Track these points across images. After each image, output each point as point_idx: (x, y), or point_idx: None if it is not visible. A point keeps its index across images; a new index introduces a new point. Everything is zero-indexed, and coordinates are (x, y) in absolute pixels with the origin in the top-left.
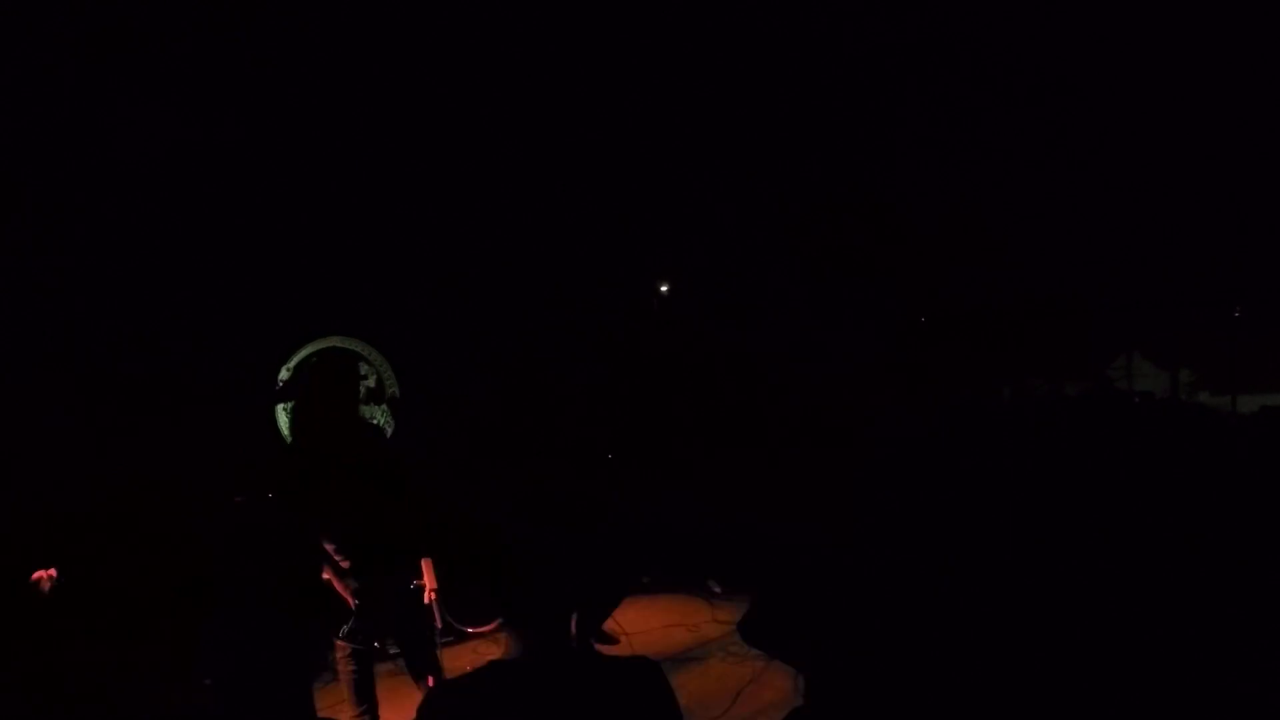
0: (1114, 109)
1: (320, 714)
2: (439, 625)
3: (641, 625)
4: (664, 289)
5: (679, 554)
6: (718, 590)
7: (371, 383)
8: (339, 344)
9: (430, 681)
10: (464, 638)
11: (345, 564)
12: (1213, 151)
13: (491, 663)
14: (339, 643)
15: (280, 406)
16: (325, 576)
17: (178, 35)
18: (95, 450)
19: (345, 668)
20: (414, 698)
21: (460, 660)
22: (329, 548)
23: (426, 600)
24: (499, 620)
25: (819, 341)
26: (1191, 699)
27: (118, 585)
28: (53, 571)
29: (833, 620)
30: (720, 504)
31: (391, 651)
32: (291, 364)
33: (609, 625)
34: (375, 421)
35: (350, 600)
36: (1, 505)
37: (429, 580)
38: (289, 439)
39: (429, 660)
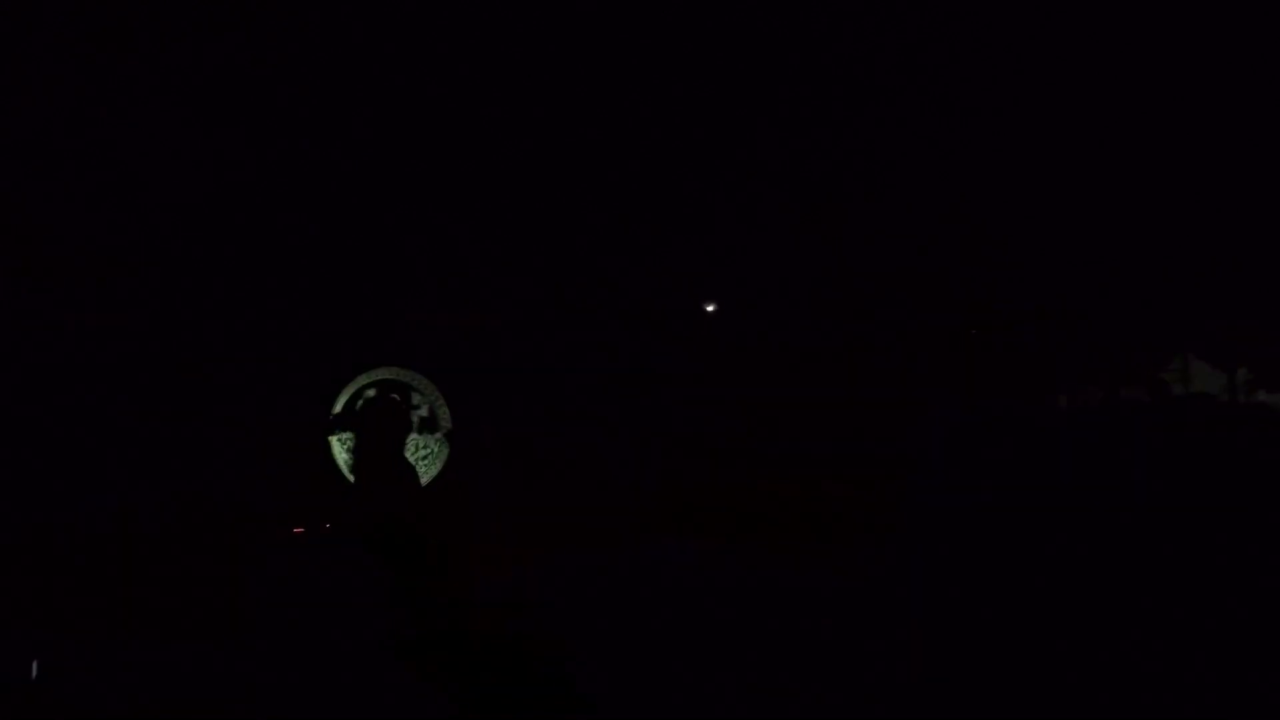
0: (1166, 107)
1: None
2: None
3: None
4: (710, 308)
5: None
6: None
7: (424, 412)
8: (391, 375)
9: None
10: None
11: None
12: (1267, 149)
13: None
14: None
15: (335, 437)
16: None
17: (216, 81)
18: (158, 475)
19: None
20: None
21: None
22: None
23: None
24: None
25: (865, 345)
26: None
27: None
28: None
29: None
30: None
31: None
32: (346, 394)
33: None
34: (428, 450)
35: None
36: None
37: None
38: (345, 469)
39: None
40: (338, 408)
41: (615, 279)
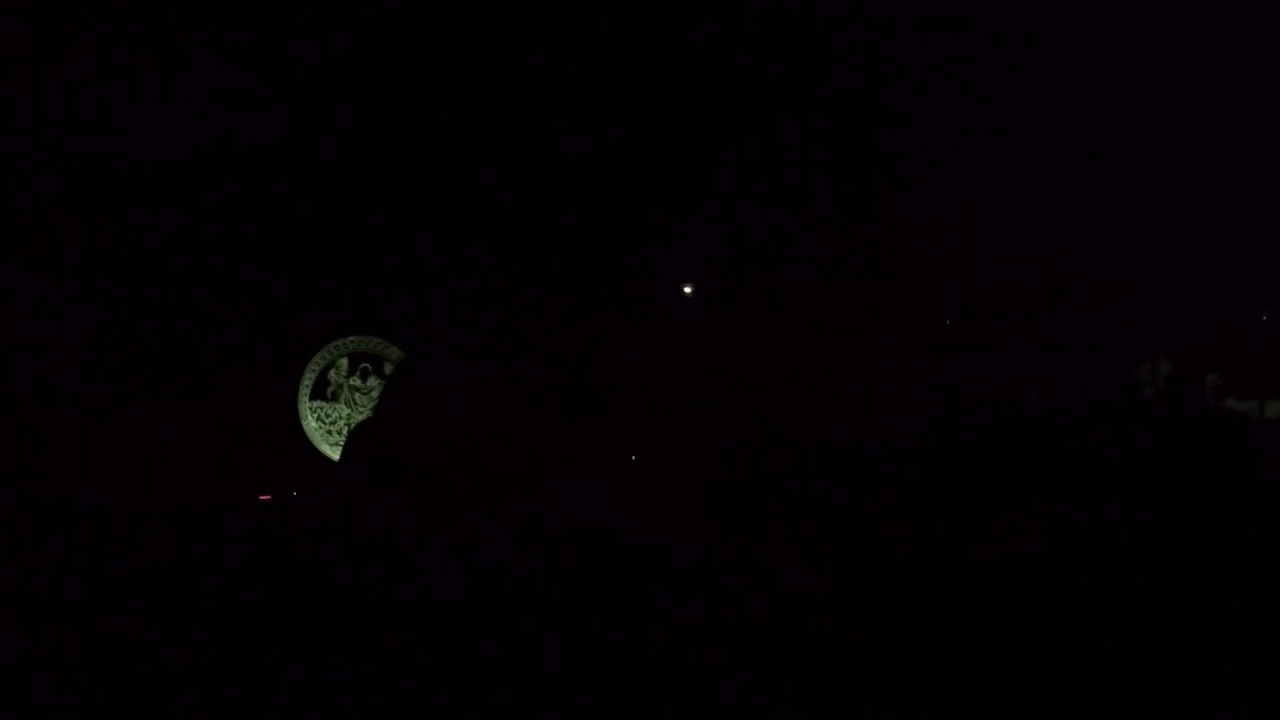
0: (1148, 109)
1: None
2: None
3: None
4: (687, 290)
5: None
6: None
7: None
8: (360, 343)
9: None
10: None
11: None
12: (1246, 158)
13: None
14: None
15: (306, 405)
16: None
17: (200, 41)
18: (128, 446)
19: None
20: None
21: None
22: None
23: None
24: None
25: (844, 344)
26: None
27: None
28: None
29: None
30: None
31: None
32: (317, 366)
33: None
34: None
35: None
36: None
37: None
38: (318, 440)
39: None
40: (309, 379)
41: (593, 262)
